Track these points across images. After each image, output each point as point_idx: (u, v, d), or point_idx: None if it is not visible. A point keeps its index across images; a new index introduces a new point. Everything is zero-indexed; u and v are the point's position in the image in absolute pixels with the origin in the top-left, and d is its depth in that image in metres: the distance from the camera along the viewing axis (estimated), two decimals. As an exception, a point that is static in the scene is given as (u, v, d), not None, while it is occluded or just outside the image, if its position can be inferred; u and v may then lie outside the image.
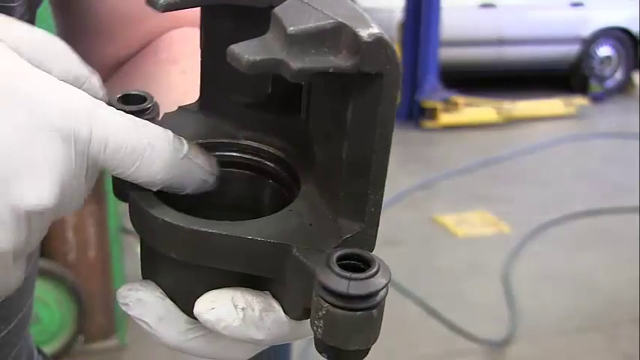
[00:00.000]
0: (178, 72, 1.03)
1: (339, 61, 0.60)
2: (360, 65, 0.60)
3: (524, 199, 6.16)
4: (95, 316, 3.76)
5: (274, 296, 0.69)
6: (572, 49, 10.89)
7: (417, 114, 8.75)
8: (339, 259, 0.61)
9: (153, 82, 1.08)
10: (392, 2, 9.42)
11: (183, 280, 0.72)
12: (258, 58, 0.59)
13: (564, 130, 8.76)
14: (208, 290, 0.69)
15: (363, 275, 0.59)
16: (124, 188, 0.75)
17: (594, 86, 10.77)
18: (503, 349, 3.91)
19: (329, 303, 0.59)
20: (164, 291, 0.72)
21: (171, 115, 0.85)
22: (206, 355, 0.73)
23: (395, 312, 4.18)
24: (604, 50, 11.16)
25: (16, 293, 0.96)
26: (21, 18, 0.87)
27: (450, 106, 8.78)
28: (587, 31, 10.87)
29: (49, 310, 3.61)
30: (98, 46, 1.15)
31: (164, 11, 0.73)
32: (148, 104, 0.80)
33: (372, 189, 0.67)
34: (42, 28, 0.99)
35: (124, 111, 0.73)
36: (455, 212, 5.81)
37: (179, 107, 0.85)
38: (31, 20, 0.95)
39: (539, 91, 10.34)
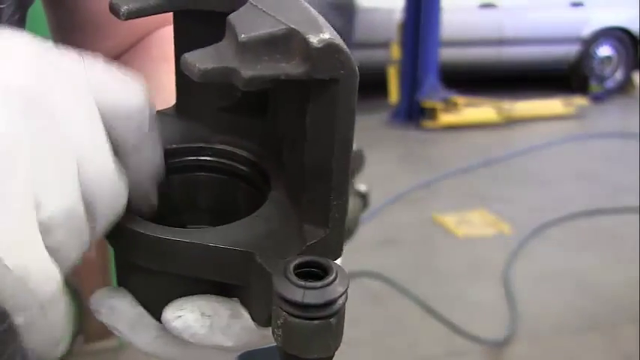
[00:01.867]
0: (170, 70, 1.00)
1: (290, 68, 0.59)
2: (311, 72, 0.59)
3: (524, 199, 6.16)
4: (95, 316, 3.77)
5: (242, 303, 0.69)
6: (572, 49, 10.90)
7: (417, 114, 8.73)
8: (297, 267, 0.61)
9: (144, 80, 1.05)
10: (392, 2, 9.44)
11: (153, 288, 0.73)
12: (209, 66, 0.59)
13: (564, 130, 8.76)
14: (177, 297, 0.70)
15: (319, 284, 0.59)
16: None
17: (594, 86, 10.77)
18: (503, 349, 3.91)
19: (286, 312, 0.59)
20: (136, 298, 0.72)
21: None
22: None
23: (395, 312, 4.19)
24: (604, 50, 11.17)
25: None
26: (10, 18, 0.89)
27: (450, 106, 8.77)
28: (587, 31, 10.89)
29: None
30: (90, 42, 1.15)
31: (127, 19, 0.74)
32: None
33: (334, 194, 0.67)
34: (35, 25, 1.03)
35: None
36: (455, 212, 5.80)
37: (157, 111, 0.80)
38: (22, 18, 0.95)
39: (539, 91, 10.34)
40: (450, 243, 5.30)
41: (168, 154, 0.79)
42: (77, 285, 3.62)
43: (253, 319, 0.69)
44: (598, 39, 11.06)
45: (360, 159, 3.31)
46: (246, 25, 0.60)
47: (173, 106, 0.87)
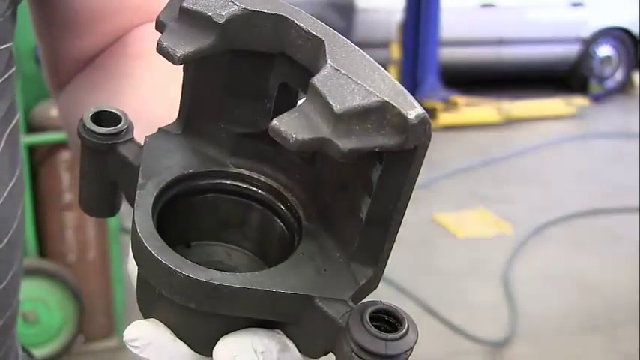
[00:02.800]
0: (147, 67, 1.02)
1: (384, 139, 0.60)
2: (404, 144, 0.60)
3: (524, 199, 6.16)
4: (95, 316, 3.76)
5: (287, 335, 0.70)
6: (572, 49, 10.91)
7: None
8: (372, 318, 0.62)
9: (121, 76, 1.10)
10: (392, 2, 9.45)
11: (196, 324, 0.73)
12: (307, 137, 0.59)
13: (564, 130, 8.77)
14: (223, 332, 0.70)
15: (398, 335, 0.61)
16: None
17: (594, 86, 10.77)
18: (503, 349, 3.92)
19: (361, 358, 0.61)
20: (173, 331, 0.72)
21: (153, 139, 0.83)
22: None
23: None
24: (604, 50, 11.16)
25: (2, 292, 0.97)
26: (4, 13, 0.88)
27: (450, 106, 8.79)
28: (587, 31, 10.89)
29: (49, 310, 3.61)
30: (73, 39, 1.15)
31: (182, 63, 0.72)
32: (124, 125, 0.80)
33: (389, 239, 0.68)
34: (21, 21, 1.05)
35: (98, 134, 0.78)
36: (455, 212, 5.82)
37: (159, 129, 0.84)
38: (14, 14, 0.95)
39: (539, 91, 10.34)
40: (449, 243, 5.31)
41: (192, 176, 0.79)
42: (77, 285, 3.63)
43: (300, 350, 0.70)
44: (598, 39, 11.06)
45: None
46: (337, 93, 0.60)
47: (176, 123, 0.85)
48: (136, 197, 0.76)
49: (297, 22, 0.69)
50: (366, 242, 0.68)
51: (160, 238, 0.69)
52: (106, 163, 0.85)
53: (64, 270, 3.61)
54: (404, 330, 0.60)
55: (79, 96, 1.17)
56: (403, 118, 0.58)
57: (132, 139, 0.82)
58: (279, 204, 0.80)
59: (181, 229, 0.80)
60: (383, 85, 0.61)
